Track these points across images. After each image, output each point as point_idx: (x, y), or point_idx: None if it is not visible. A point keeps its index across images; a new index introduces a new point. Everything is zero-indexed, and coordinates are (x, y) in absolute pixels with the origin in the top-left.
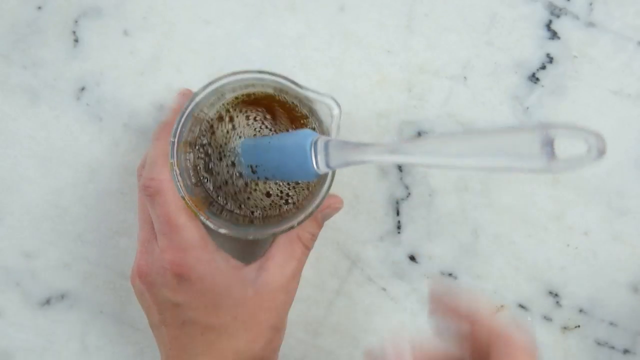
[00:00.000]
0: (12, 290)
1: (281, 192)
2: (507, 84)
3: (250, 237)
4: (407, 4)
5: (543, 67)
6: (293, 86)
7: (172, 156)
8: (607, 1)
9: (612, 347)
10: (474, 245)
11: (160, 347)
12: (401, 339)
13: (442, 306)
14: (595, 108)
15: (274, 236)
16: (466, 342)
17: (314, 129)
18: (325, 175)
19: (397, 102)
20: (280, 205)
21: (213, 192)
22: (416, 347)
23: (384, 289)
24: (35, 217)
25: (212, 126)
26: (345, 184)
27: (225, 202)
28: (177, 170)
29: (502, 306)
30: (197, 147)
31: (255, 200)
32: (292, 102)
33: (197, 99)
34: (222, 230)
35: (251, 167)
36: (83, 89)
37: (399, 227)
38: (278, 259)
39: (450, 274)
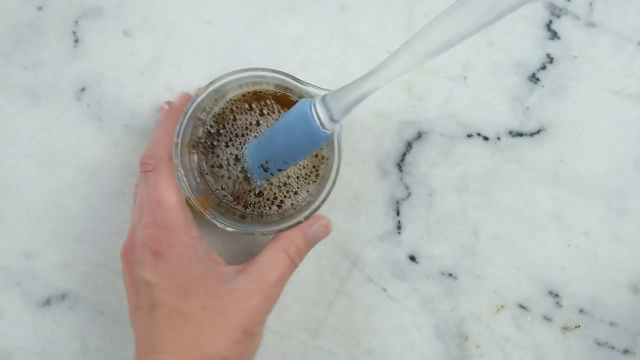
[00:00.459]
0: (12, 290)
1: (287, 186)
2: (507, 84)
3: (258, 234)
4: (407, 4)
5: (543, 67)
6: (294, 82)
7: (177, 157)
8: (607, 1)
9: (612, 347)
10: (474, 245)
11: (134, 336)
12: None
13: None
14: (595, 108)
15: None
16: None
17: None
18: (331, 166)
19: (397, 102)
20: (286, 201)
21: (218, 192)
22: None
23: (384, 289)
24: (35, 217)
25: (214, 126)
26: (345, 184)
27: (230, 200)
28: (182, 171)
29: (502, 306)
30: (200, 148)
31: (260, 197)
32: (294, 99)
33: (199, 99)
34: (229, 229)
35: (262, 166)
36: (83, 89)
37: (399, 227)
38: (261, 264)
39: (450, 274)
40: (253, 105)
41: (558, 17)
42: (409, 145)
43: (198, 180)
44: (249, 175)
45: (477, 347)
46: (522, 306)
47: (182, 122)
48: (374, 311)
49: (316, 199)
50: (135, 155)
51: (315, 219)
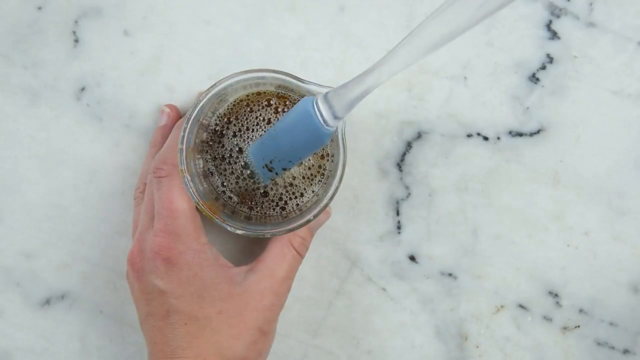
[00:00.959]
0: (12, 290)
1: (293, 187)
2: (507, 84)
3: (268, 236)
4: (407, 4)
5: (543, 67)
6: (295, 81)
7: (182, 163)
8: (607, 1)
9: (612, 347)
10: (474, 245)
11: (147, 344)
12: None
13: None
14: (595, 108)
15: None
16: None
17: None
18: (337, 162)
19: (397, 102)
20: (290, 203)
21: (224, 195)
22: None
23: (384, 289)
24: (35, 217)
25: (218, 130)
26: (345, 184)
27: (235, 202)
28: (188, 177)
29: (502, 306)
30: (205, 152)
31: (266, 198)
32: (295, 98)
33: (201, 104)
34: (240, 231)
35: (266, 166)
36: (83, 89)
37: (399, 227)
38: (269, 261)
39: (450, 274)
40: (255, 107)
41: (558, 17)
42: (409, 145)
43: (205, 185)
44: (254, 176)
45: (477, 347)
46: (522, 306)
47: (185, 128)
48: (374, 311)
49: (323, 197)
50: (136, 155)
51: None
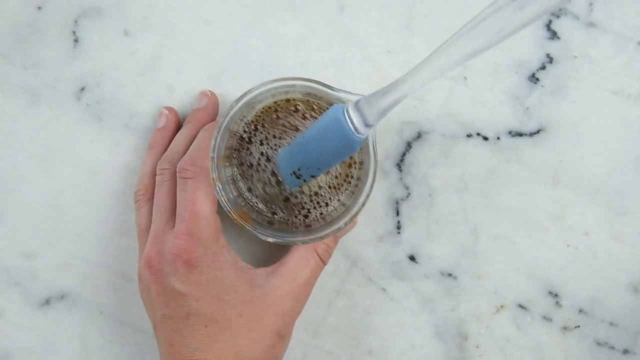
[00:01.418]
0: (12, 290)
1: (318, 196)
2: (507, 84)
3: (299, 244)
4: (407, 4)
5: (543, 67)
6: (324, 89)
7: (213, 171)
8: (607, 1)
9: (612, 347)
10: (474, 245)
11: (161, 345)
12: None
13: None
14: (595, 108)
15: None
16: None
17: None
18: (367, 169)
19: None
20: (313, 212)
21: (254, 203)
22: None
23: (384, 289)
24: (35, 217)
25: (245, 137)
26: None
27: (267, 211)
28: (220, 185)
29: (502, 306)
30: (234, 160)
31: (290, 204)
32: (324, 105)
33: (232, 112)
34: (271, 239)
35: (294, 173)
36: (83, 89)
37: (399, 227)
38: (291, 265)
39: (450, 274)
40: (283, 114)
41: (558, 17)
42: (409, 145)
43: (235, 193)
44: (281, 183)
45: (477, 347)
46: (522, 306)
47: (216, 137)
48: (374, 311)
49: (353, 205)
50: (135, 155)
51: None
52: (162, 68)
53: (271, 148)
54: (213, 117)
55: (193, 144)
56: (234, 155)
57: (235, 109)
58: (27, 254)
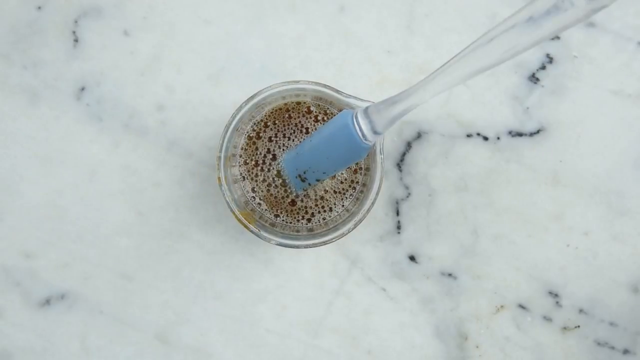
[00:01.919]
0: (12, 290)
1: (323, 200)
2: (507, 84)
3: (302, 247)
4: (407, 4)
5: (543, 67)
6: (334, 94)
7: (220, 171)
8: None
9: (612, 347)
10: (474, 245)
11: None
12: None
13: None
14: (595, 108)
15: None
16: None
17: None
18: (373, 176)
19: None
20: (317, 216)
21: (254, 201)
22: None
23: (384, 289)
24: (35, 217)
25: (253, 135)
26: None
27: (270, 212)
28: (225, 185)
29: (502, 306)
30: (240, 159)
31: (294, 208)
32: (333, 111)
33: (240, 113)
34: (273, 242)
35: (299, 176)
36: (83, 89)
37: (399, 227)
38: None
39: (450, 274)
40: (290, 117)
41: None
42: (409, 145)
43: (239, 192)
44: (286, 185)
45: (477, 347)
46: (522, 306)
47: (224, 137)
48: (374, 311)
49: (357, 211)
50: (135, 155)
51: None
52: (162, 68)
53: (279, 147)
54: None
55: None
56: (241, 155)
57: (245, 109)
58: (27, 254)
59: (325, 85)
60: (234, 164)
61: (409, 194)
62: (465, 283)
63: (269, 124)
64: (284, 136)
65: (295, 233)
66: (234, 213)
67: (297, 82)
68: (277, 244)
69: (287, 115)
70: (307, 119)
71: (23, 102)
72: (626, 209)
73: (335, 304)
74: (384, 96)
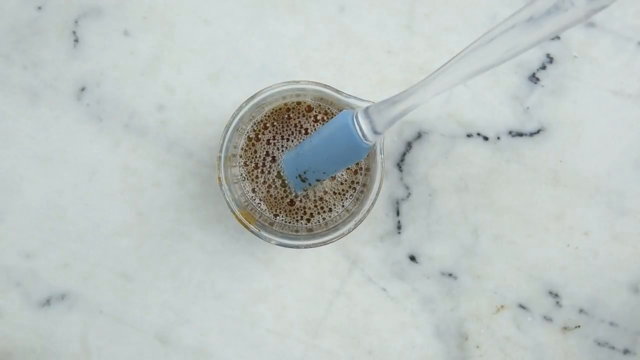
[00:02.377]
0: (12, 290)
1: (322, 201)
2: (507, 84)
3: (302, 247)
4: (407, 4)
5: (543, 67)
6: (335, 94)
7: (220, 171)
8: None
9: (612, 347)
10: (474, 245)
11: None
12: None
13: None
14: (595, 108)
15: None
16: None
17: None
18: (373, 176)
19: None
20: (316, 216)
21: (259, 204)
22: None
23: (384, 289)
24: (35, 217)
25: (253, 136)
26: None
27: (269, 212)
28: (225, 185)
29: (502, 306)
30: (240, 160)
31: (293, 207)
32: (334, 111)
33: (241, 113)
34: (273, 242)
35: (300, 176)
36: (83, 89)
37: (399, 227)
38: None
39: (450, 274)
40: (290, 117)
41: None
42: (409, 145)
43: (240, 192)
44: (286, 185)
45: (477, 347)
46: (522, 306)
47: (225, 137)
48: (374, 311)
49: (358, 211)
50: (135, 155)
51: None
52: (162, 68)
53: (278, 149)
54: None
55: None
56: (241, 155)
57: (245, 109)
58: (27, 254)
59: (325, 85)
60: (234, 164)
61: (409, 194)
62: (465, 283)
63: (268, 125)
64: (283, 138)
65: (295, 233)
66: (234, 213)
67: (298, 82)
68: (277, 244)
69: (287, 116)
70: (307, 119)
71: (23, 102)
72: (626, 209)
73: (336, 304)
74: (384, 96)
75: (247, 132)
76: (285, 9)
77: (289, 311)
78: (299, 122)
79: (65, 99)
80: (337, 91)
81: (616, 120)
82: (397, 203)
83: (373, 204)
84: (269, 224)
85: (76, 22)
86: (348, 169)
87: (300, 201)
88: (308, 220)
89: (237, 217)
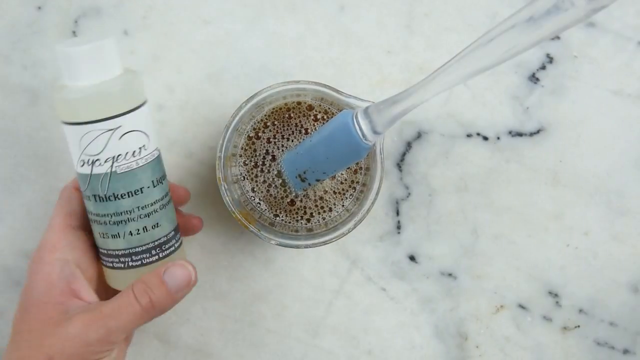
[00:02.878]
0: (12, 290)
1: (322, 200)
2: (507, 84)
3: (302, 247)
4: (407, 4)
5: (543, 67)
6: (335, 94)
7: (220, 171)
8: None
9: (612, 347)
10: (474, 245)
11: None
12: None
13: None
14: (595, 108)
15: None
16: None
17: None
18: (373, 176)
19: None
20: (316, 216)
21: (259, 204)
22: None
23: (384, 289)
24: (35, 217)
25: (252, 135)
26: None
27: (269, 212)
28: (225, 185)
29: (502, 306)
30: (240, 159)
31: (293, 208)
32: (334, 111)
33: (241, 113)
34: (273, 242)
35: (299, 176)
36: None
37: (399, 227)
38: (107, 307)
39: (450, 274)
40: (290, 117)
41: None
42: (409, 145)
43: (239, 192)
44: (286, 185)
45: (477, 347)
46: (521, 306)
47: (224, 137)
48: (374, 311)
49: (358, 211)
50: None
51: (172, 264)
52: (162, 68)
53: (278, 148)
54: None
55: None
56: (241, 155)
57: (245, 109)
58: (27, 254)
59: (325, 85)
60: (234, 164)
61: (409, 194)
62: (465, 283)
63: (268, 124)
64: (283, 137)
65: (295, 233)
66: (234, 213)
67: (298, 82)
68: (277, 244)
69: (287, 115)
70: (307, 118)
71: (23, 102)
72: (626, 209)
73: (336, 304)
74: (384, 96)
75: (247, 132)
76: (285, 9)
77: (289, 311)
78: (300, 121)
79: None
80: (337, 91)
81: (616, 120)
82: (397, 203)
83: (373, 203)
84: (269, 224)
85: (76, 22)
86: (348, 168)
87: (301, 201)
88: (308, 220)
89: (236, 217)
